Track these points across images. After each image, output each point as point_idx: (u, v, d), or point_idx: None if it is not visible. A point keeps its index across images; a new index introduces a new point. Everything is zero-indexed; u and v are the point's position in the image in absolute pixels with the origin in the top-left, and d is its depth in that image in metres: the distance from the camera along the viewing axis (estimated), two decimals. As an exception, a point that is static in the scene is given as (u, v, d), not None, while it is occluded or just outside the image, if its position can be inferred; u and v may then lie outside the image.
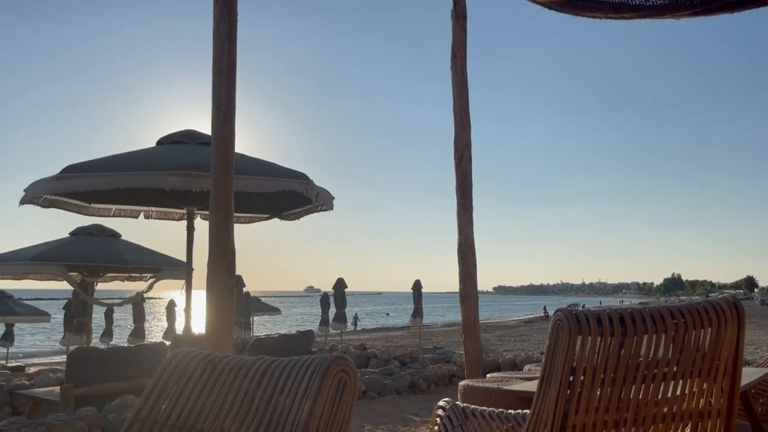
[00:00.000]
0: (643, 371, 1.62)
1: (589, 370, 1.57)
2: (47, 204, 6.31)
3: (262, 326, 43.29)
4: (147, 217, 7.64)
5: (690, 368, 1.67)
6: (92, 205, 7.11)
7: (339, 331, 16.68)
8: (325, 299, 17.55)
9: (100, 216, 7.43)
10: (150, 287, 9.87)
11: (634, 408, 1.64)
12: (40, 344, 35.32)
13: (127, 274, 10.73)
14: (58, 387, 5.66)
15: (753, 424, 3.07)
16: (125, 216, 7.53)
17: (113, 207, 7.36)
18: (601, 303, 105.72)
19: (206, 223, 4.51)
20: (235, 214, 4.77)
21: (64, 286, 8.86)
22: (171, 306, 17.01)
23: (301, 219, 7.60)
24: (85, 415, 4.98)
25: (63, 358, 14.50)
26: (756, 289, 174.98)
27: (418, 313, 15.32)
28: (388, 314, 75.21)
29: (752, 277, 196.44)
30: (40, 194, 5.77)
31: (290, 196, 6.63)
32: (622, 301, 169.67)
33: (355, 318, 48.77)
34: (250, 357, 1.69)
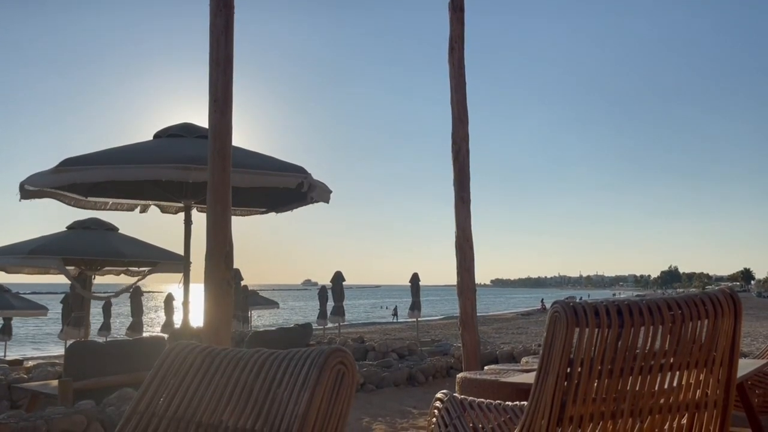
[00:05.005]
0: (640, 363, 1.63)
1: (586, 362, 1.57)
2: (44, 194, 6.29)
3: (261, 320, 43.38)
4: (144, 210, 7.64)
5: (687, 360, 1.68)
6: (89, 198, 7.09)
7: (337, 324, 16.68)
8: (323, 292, 17.55)
9: (98, 209, 7.42)
10: (144, 277, 9.87)
11: (631, 399, 1.65)
12: (38, 338, 35.34)
13: (125, 268, 10.73)
14: (57, 380, 5.66)
15: (749, 415, 3.09)
16: (122, 209, 7.52)
17: (110, 200, 7.35)
18: (589, 296, 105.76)
19: (204, 216, 4.51)
20: (233, 208, 4.77)
21: (62, 279, 8.85)
22: (169, 299, 16.99)
23: (297, 212, 7.61)
24: (84, 408, 4.99)
25: (61, 351, 14.51)
26: (752, 282, 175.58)
27: (416, 306, 15.33)
28: (387, 308, 75.20)
29: (749, 269, 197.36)
30: (38, 187, 5.76)
31: (288, 190, 6.63)
32: (615, 293, 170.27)
33: (395, 309, 48.92)
34: (249, 349, 1.70)
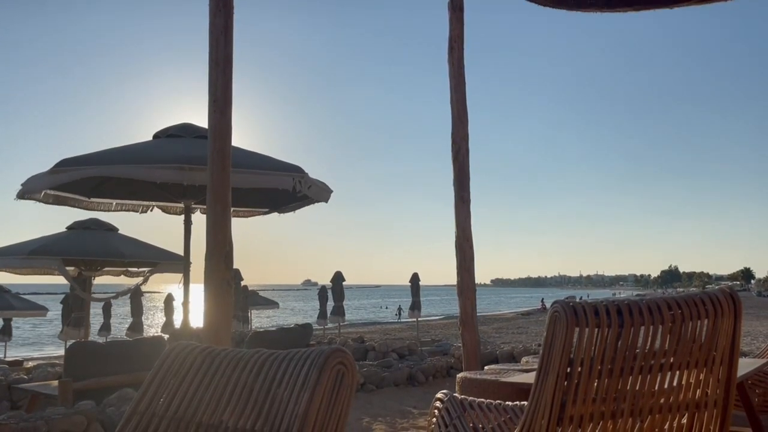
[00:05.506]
0: (640, 362, 1.62)
1: (586, 362, 1.57)
2: (48, 200, 6.30)
3: (260, 320, 43.38)
4: (145, 211, 7.63)
5: (687, 359, 1.68)
6: (92, 199, 7.09)
7: (337, 324, 16.68)
8: (323, 293, 17.54)
9: (101, 210, 7.42)
10: (145, 280, 9.87)
11: (632, 399, 1.65)
12: (38, 338, 35.32)
13: (125, 269, 10.72)
14: (57, 381, 5.66)
15: (749, 414, 3.08)
16: (126, 210, 7.52)
17: (114, 201, 7.35)
18: (589, 296, 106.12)
19: (204, 217, 4.51)
20: (234, 209, 4.76)
21: (62, 280, 8.85)
22: (169, 300, 16.98)
23: (298, 212, 7.62)
24: (84, 408, 4.99)
25: (61, 352, 14.50)
26: (753, 281, 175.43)
27: (416, 306, 15.33)
28: (387, 307, 75.25)
29: (749, 268, 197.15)
30: (36, 188, 5.76)
31: (286, 191, 6.63)
32: (615, 293, 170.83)
33: (399, 309, 49.06)
34: (249, 350, 1.69)
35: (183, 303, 6.73)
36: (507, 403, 2.42)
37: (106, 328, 15.85)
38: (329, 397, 1.44)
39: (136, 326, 15.79)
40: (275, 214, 7.87)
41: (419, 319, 16.50)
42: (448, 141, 6.87)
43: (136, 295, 15.79)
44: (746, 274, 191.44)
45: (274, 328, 9.32)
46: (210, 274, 4.29)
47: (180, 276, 6.84)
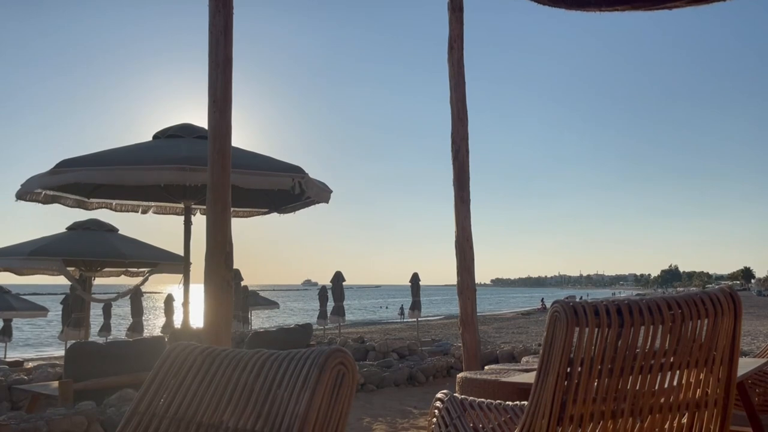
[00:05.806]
0: (640, 362, 1.62)
1: (586, 362, 1.57)
2: (48, 200, 6.30)
3: (260, 320, 43.41)
4: (146, 211, 7.64)
5: (687, 359, 1.68)
6: (91, 200, 7.09)
7: (337, 324, 16.69)
8: (323, 293, 17.55)
9: (100, 209, 7.42)
10: (145, 280, 9.87)
11: (632, 398, 1.65)
12: (38, 339, 35.33)
13: (125, 269, 10.73)
14: (57, 381, 5.66)
15: (750, 414, 3.09)
16: (125, 210, 7.53)
17: (114, 201, 7.35)
18: (588, 295, 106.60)
19: (204, 217, 4.51)
20: (234, 209, 4.77)
21: (62, 280, 8.85)
22: (169, 300, 16.98)
23: (298, 212, 7.62)
24: (84, 409, 4.99)
25: (61, 352, 14.50)
26: (753, 280, 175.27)
27: (416, 305, 15.33)
28: (387, 307, 75.31)
29: (749, 268, 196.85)
30: (35, 189, 5.76)
31: (286, 191, 6.63)
32: (615, 293, 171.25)
33: (402, 309, 49.24)
34: (249, 350, 1.70)
35: (183, 303, 6.73)
36: (507, 403, 2.42)
37: (106, 328, 15.86)
38: (329, 397, 1.44)
39: (136, 326, 15.80)
40: (275, 214, 7.87)
41: (419, 319, 16.50)
42: (448, 141, 6.88)
43: (136, 296, 15.80)
44: (746, 274, 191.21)
45: (274, 328, 9.32)
46: (210, 274, 4.29)
47: (180, 276, 6.84)
